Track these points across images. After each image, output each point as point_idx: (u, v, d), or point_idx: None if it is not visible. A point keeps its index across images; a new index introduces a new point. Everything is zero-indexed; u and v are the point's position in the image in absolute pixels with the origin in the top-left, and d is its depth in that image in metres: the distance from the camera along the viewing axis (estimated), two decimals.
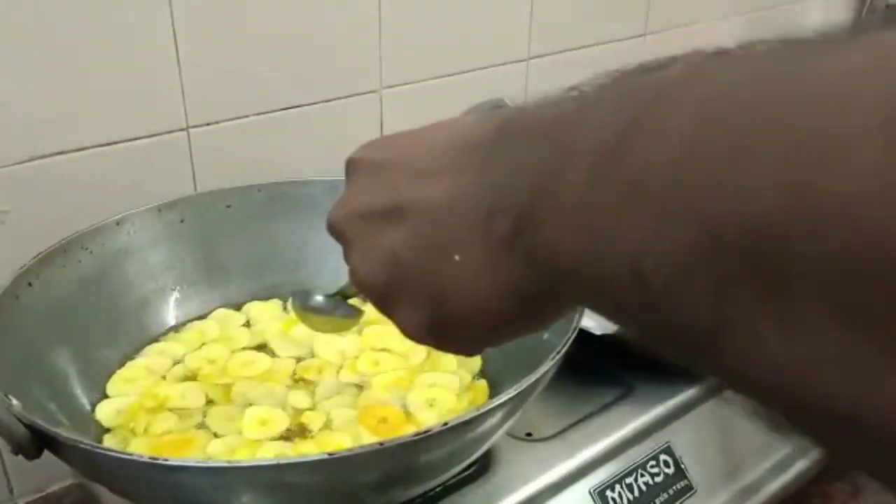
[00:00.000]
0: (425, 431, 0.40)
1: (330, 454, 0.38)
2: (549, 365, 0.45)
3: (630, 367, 0.65)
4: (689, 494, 0.62)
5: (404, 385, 0.59)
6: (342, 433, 0.55)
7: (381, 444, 0.39)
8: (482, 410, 0.41)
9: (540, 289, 0.27)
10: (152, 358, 0.60)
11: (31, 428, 0.40)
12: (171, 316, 0.65)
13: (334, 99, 0.79)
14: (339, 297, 0.51)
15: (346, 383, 0.60)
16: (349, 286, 0.49)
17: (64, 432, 0.41)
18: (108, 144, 0.67)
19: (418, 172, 0.30)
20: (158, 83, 0.68)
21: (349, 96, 0.80)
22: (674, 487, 0.61)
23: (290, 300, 0.53)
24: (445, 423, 0.40)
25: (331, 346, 0.63)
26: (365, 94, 0.81)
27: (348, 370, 0.61)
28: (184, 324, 0.65)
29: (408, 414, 0.57)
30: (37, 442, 0.41)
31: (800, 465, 0.67)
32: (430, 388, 0.59)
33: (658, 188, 0.20)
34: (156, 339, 0.63)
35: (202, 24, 0.69)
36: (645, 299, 0.21)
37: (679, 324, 0.21)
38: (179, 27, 0.67)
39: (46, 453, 0.42)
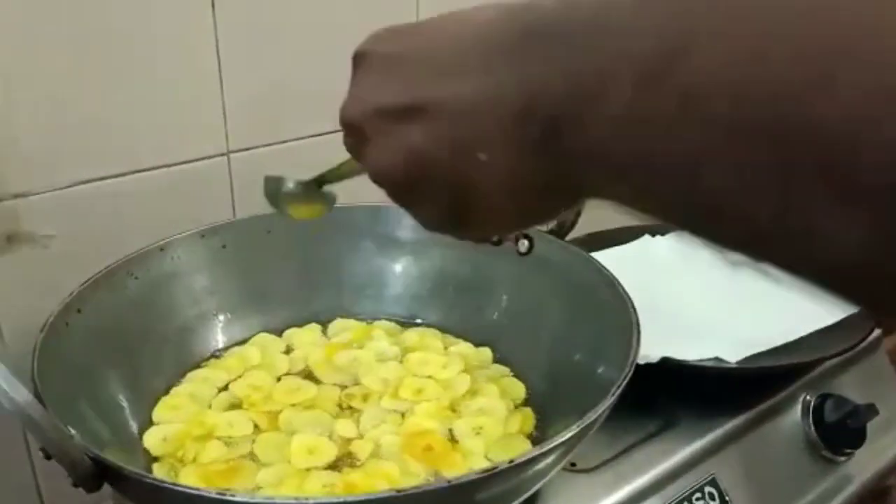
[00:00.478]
0: (493, 468, 0.39)
1: (398, 491, 0.38)
2: (610, 399, 0.45)
3: (673, 397, 0.65)
4: None
5: (446, 413, 0.59)
6: (389, 462, 0.55)
7: (448, 482, 0.39)
8: (549, 446, 0.41)
9: (568, 184, 0.28)
10: (196, 384, 0.60)
11: (95, 461, 0.40)
12: (213, 341, 0.65)
13: None
14: (313, 184, 0.49)
15: (390, 410, 0.60)
16: (328, 172, 0.48)
17: (125, 465, 0.41)
18: (149, 170, 0.67)
19: (441, 69, 0.29)
20: (202, 109, 0.68)
21: None
22: None
23: (262, 185, 0.51)
24: (512, 461, 0.40)
25: (374, 373, 0.63)
26: None
27: (390, 397, 0.61)
28: (226, 349, 0.65)
29: (453, 441, 0.57)
30: (99, 474, 0.40)
31: (843, 497, 0.67)
32: (475, 416, 0.58)
33: (721, 99, 0.21)
34: (198, 365, 0.63)
35: (246, 48, 0.69)
36: (700, 199, 0.22)
37: (738, 217, 0.22)
38: (224, 52, 0.68)
39: None
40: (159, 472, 0.52)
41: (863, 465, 0.69)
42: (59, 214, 0.63)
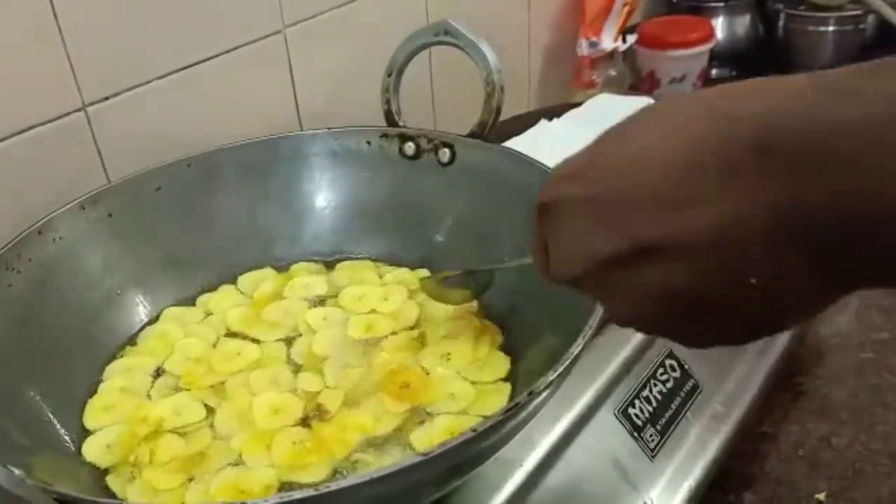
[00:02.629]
0: (489, 420, 0.36)
1: (425, 454, 0.35)
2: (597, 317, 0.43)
3: None
4: (697, 393, 0.62)
5: (413, 344, 0.55)
6: (361, 409, 0.51)
7: (473, 430, 0.36)
8: (552, 377, 0.38)
9: (853, 282, 0.27)
10: (123, 377, 0.53)
11: (61, 501, 0.34)
12: (124, 325, 0.57)
13: (237, 47, 0.71)
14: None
15: (353, 355, 0.55)
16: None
17: (95, 498, 0.35)
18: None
19: (663, 205, 0.27)
20: (43, 60, 0.58)
21: (252, 42, 0.72)
22: (683, 390, 0.62)
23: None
24: (514, 405, 0.37)
25: (312, 314, 0.58)
26: (268, 36, 0.73)
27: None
28: (140, 331, 0.58)
29: (426, 373, 0.53)
30: None
31: (781, 343, 0.70)
32: (441, 343, 0.55)
33: None
34: (114, 356, 0.55)
35: None
36: None
37: None
38: None
39: None
40: (116, 484, 0.45)
41: None
42: None
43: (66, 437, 0.48)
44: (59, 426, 0.48)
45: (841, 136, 0.24)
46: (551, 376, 0.38)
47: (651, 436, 0.58)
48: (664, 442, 0.59)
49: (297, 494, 0.33)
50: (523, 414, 0.39)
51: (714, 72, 1.34)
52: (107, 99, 0.62)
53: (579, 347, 0.40)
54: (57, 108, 0.60)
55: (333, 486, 0.33)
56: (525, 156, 0.58)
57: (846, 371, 0.76)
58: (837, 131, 0.24)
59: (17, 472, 0.36)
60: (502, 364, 0.53)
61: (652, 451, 0.58)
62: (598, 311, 0.43)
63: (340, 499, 0.34)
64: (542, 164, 0.57)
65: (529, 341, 0.53)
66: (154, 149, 0.62)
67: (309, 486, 0.35)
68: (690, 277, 0.27)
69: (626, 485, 0.56)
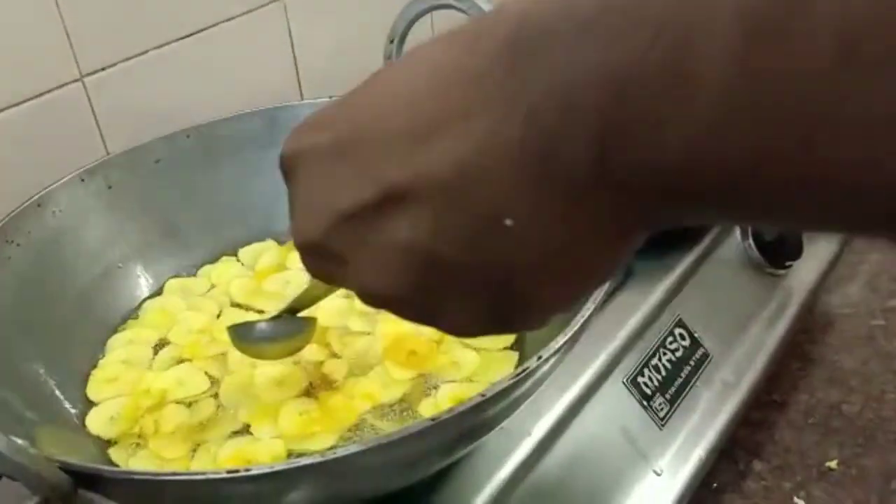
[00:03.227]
0: (498, 385, 0.36)
1: (433, 419, 0.34)
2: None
3: None
4: (707, 361, 0.62)
5: None
6: (369, 378, 0.50)
7: (482, 395, 0.35)
8: (561, 342, 0.38)
9: (638, 218, 0.21)
10: (127, 349, 0.52)
11: (66, 470, 0.33)
12: (126, 298, 0.57)
13: (236, 16, 0.70)
14: (286, 315, 0.45)
15: (358, 324, 0.54)
16: (296, 301, 0.44)
17: (102, 466, 0.34)
18: None
19: (403, 140, 0.22)
20: (38, 29, 0.57)
21: (251, 10, 0.70)
22: (693, 358, 0.61)
23: (227, 331, 0.46)
24: (523, 370, 0.36)
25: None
26: (267, 4, 0.72)
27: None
28: (141, 304, 0.57)
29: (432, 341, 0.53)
30: (75, 484, 0.34)
31: (791, 311, 0.69)
32: None
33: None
34: (116, 330, 0.55)
35: None
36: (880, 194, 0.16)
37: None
38: None
39: None
40: (119, 456, 0.45)
41: (802, 275, 0.71)
42: None
43: (71, 410, 0.48)
44: (63, 399, 0.48)
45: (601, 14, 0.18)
46: (561, 340, 0.38)
47: (660, 405, 0.58)
48: (674, 411, 0.58)
49: (304, 461, 0.33)
50: (532, 380, 0.38)
51: None
52: (104, 69, 0.61)
53: (589, 311, 0.39)
54: (54, 80, 0.59)
55: (340, 452, 0.33)
56: None
57: (857, 339, 0.76)
58: (601, 11, 0.18)
59: (20, 441, 0.35)
60: None
61: (661, 419, 0.57)
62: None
63: (346, 465, 0.33)
64: None
65: None
66: (153, 120, 0.61)
67: (316, 454, 0.34)
68: (439, 227, 0.22)
69: (636, 454, 0.55)
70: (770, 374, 0.66)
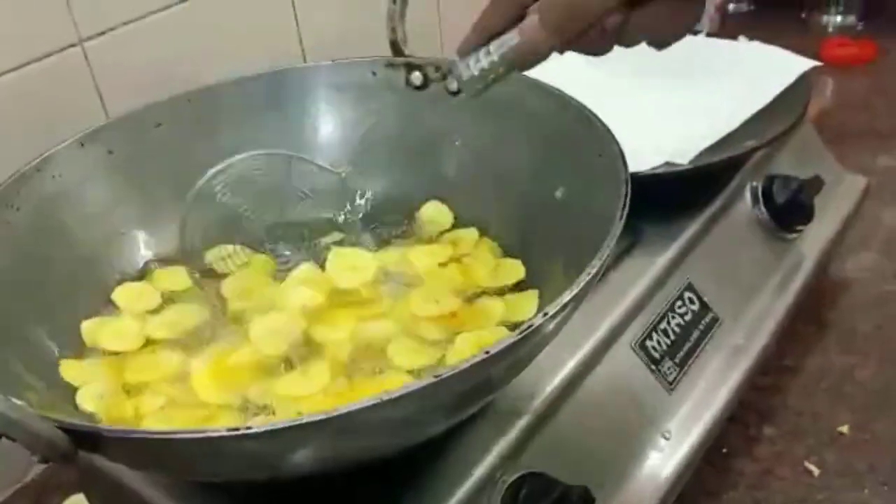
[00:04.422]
0: (527, 327, 0.35)
1: (436, 376, 0.33)
2: (619, 223, 0.41)
3: (634, 213, 0.62)
4: (717, 326, 0.61)
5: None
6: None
7: (486, 352, 0.34)
8: (581, 285, 0.37)
9: None
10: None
11: (66, 429, 0.33)
12: (132, 262, 0.56)
13: None
14: None
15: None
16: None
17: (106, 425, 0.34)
18: None
19: None
20: None
21: None
22: (703, 322, 0.60)
23: None
24: (545, 313, 0.36)
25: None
26: None
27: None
28: (145, 267, 0.56)
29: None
30: (76, 444, 0.33)
31: (802, 275, 0.68)
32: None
33: None
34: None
35: None
36: None
37: None
38: None
39: None
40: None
41: (813, 239, 0.70)
42: None
43: None
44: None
45: None
46: (567, 296, 0.37)
47: (669, 369, 0.57)
48: (683, 375, 0.57)
49: (306, 418, 0.32)
50: (539, 336, 0.38)
51: (731, 6, 1.30)
52: (103, 34, 0.61)
53: (595, 267, 0.38)
54: (52, 44, 0.58)
55: (342, 409, 0.32)
56: (536, 81, 0.56)
57: (871, 303, 0.75)
58: None
59: (18, 402, 0.35)
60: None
61: (670, 384, 0.57)
62: (618, 225, 0.41)
63: (350, 422, 0.33)
64: (554, 88, 0.54)
65: (547, 273, 0.52)
66: (154, 85, 0.60)
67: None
68: None
69: (643, 418, 0.54)
70: (781, 338, 0.65)
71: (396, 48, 0.62)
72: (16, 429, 0.33)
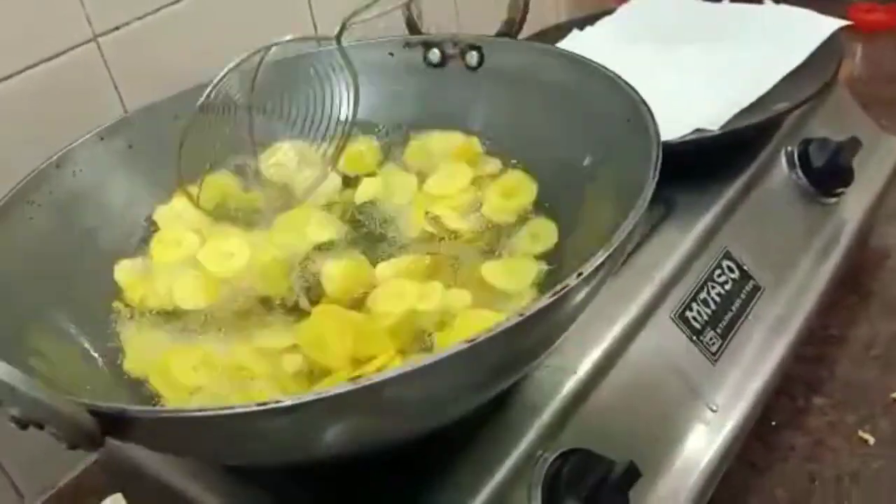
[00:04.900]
0: (561, 290, 0.33)
1: (469, 340, 0.32)
2: (651, 188, 0.39)
3: (663, 181, 0.60)
4: (759, 294, 0.59)
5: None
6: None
7: (520, 314, 0.33)
8: (615, 245, 0.35)
9: None
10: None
11: (95, 413, 0.32)
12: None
13: None
14: None
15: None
16: None
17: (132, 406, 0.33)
18: (11, 76, 0.55)
19: None
20: None
21: None
22: (744, 291, 0.58)
23: None
24: (580, 273, 0.34)
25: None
26: None
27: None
28: None
29: None
30: (103, 428, 0.32)
31: (844, 241, 0.65)
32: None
33: None
34: None
35: None
36: None
37: None
38: None
39: None
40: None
41: (854, 203, 0.68)
42: None
43: (100, 359, 0.46)
44: (92, 349, 0.46)
45: None
46: (602, 257, 0.35)
47: (711, 339, 0.55)
48: (726, 346, 0.55)
49: (336, 389, 0.31)
50: (574, 301, 0.36)
51: None
52: (118, 29, 0.60)
53: (627, 230, 0.36)
54: (68, 41, 0.58)
55: (363, 381, 0.31)
56: (558, 49, 0.54)
57: None
58: None
59: (55, 392, 0.34)
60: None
61: (713, 354, 0.55)
62: (651, 185, 0.39)
63: (376, 395, 0.31)
64: (575, 54, 0.53)
65: (580, 241, 0.50)
66: (171, 78, 0.60)
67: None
68: None
69: (688, 390, 0.52)
70: (824, 306, 0.63)
71: (413, 27, 0.61)
72: (50, 414, 0.32)
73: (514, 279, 0.48)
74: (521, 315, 0.33)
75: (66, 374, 0.42)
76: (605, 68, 0.50)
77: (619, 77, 0.49)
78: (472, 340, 0.32)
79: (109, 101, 0.60)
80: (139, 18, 0.61)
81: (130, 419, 0.32)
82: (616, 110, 0.47)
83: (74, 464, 0.65)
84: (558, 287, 0.34)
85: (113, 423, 0.32)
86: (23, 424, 0.33)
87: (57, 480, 0.64)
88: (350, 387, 0.31)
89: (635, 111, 0.45)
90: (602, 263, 0.35)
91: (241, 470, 0.46)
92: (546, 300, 0.33)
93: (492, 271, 0.49)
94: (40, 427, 0.33)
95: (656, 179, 0.40)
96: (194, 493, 0.46)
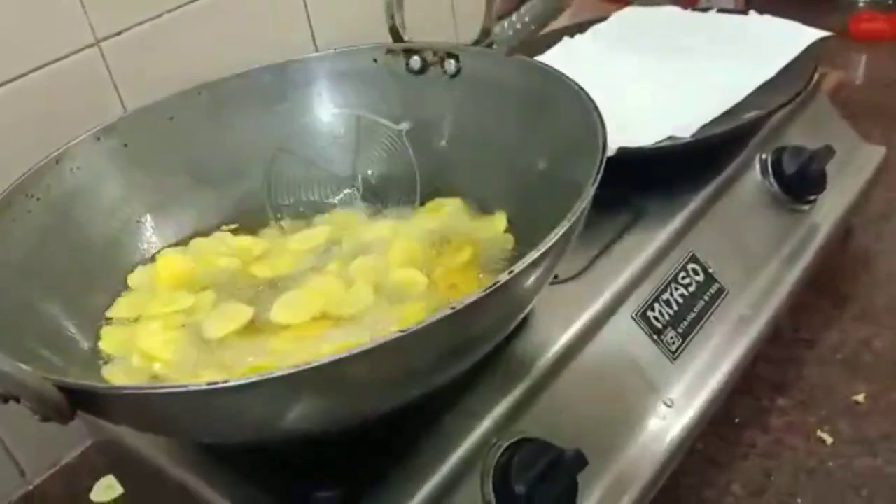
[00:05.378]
0: (495, 283, 0.36)
1: (402, 330, 0.35)
2: (591, 188, 0.42)
3: (636, 187, 0.63)
4: (723, 296, 0.61)
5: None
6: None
7: (452, 308, 0.35)
8: (543, 248, 0.38)
9: None
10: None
11: (64, 389, 0.35)
12: (145, 249, 0.59)
13: None
14: None
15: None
16: None
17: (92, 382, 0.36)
18: (12, 80, 0.59)
19: None
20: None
21: None
22: (708, 293, 0.60)
23: None
24: (511, 271, 0.37)
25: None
26: None
27: None
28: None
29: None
30: (71, 402, 0.36)
31: (814, 247, 0.67)
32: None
33: None
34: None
35: None
36: None
37: None
38: None
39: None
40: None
41: (828, 210, 0.69)
42: None
43: (85, 347, 0.50)
44: (80, 339, 0.50)
45: None
46: (534, 255, 0.38)
47: (672, 338, 0.57)
48: (686, 345, 0.58)
49: (282, 371, 0.34)
50: (511, 294, 0.39)
51: None
52: (119, 34, 0.64)
53: (565, 227, 0.39)
54: (70, 45, 0.61)
55: (303, 366, 0.34)
56: (529, 60, 0.57)
57: (891, 277, 0.73)
58: None
59: (24, 367, 0.38)
60: None
61: (673, 353, 0.57)
62: (590, 189, 0.41)
63: (319, 376, 0.34)
64: (545, 65, 0.55)
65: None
66: (171, 81, 0.63)
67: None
68: None
69: (644, 385, 0.55)
70: (795, 310, 0.64)
71: (396, 34, 0.64)
72: (19, 387, 0.35)
73: None
74: (453, 308, 0.36)
75: (57, 359, 0.46)
76: (566, 76, 0.52)
77: (574, 82, 0.51)
78: (404, 330, 0.35)
79: (110, 103, 0.64)
80: (140, 24, 0.65)
81: (92, 393, 0.35)
82: (573, 117, 0.50)
83: (75, 444, 0.69)
84: (491, 283, 0.37)
85: (79, 398, 0.35)
86: (3, 398, 0.36)
87: (58, 459, 0.68)
88: (291, 370, 0.34)
89: (587, 116, 0.48)
90: (536, 261, 0.38)
91: (226, 455, 0.49)
92: (480, 294, 0.36)
93: None
94: (18, 401, 0.36)
95: (596, 184, 0.42)
96: (179, 476, 0.50)
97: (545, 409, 0.50)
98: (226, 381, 0.34)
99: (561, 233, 0.39)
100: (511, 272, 0.37)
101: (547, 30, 0.85)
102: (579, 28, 0.84)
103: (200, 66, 0.67)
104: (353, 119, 0.63)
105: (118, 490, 0.64)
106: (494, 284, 0.36)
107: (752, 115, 0.63)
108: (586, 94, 0.50)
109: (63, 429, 0.66)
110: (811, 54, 0.70)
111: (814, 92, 0.74)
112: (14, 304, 0.47)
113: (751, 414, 0.62)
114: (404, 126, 0.61)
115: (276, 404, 0.37)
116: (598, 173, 0.43)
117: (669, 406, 0.55)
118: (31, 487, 0.67)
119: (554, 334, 0.53)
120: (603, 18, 0.85)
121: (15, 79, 0.58)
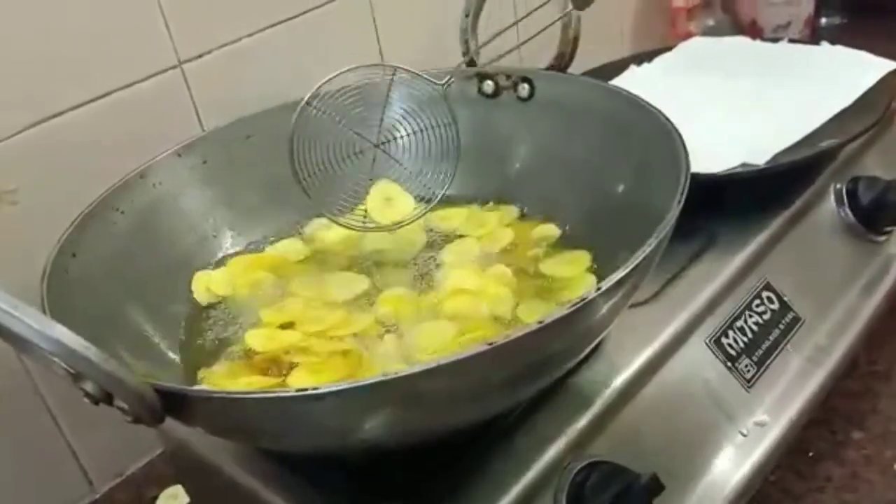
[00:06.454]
0: (579, 301, 0.36)
1: (490, 343, 0.35)
2: (676, 210, 0.42)
3: (708, 214, 0.62)
4: (799, 326, 0.60)
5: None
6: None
7: (539, 322, 0.35)
8: (621, 274, 0.38)
9: None
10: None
11: (159, 391, 0.36)
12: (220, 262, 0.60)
13: (323, 4, 0.73)
14: None
15: None
16: None
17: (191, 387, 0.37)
18: (101, 97, 0.61)
19: None
20: (141, 21, 0.62)
21: None
22: (783, 322, 0.59)
23: None
24: (599, 288, 0.37)
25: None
26: None
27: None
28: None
29: None
30: (165, 405, 0.36)
31: (891, 278, 0.66)
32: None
33: None
34: None
35: None
36: None
37: None
38: None
39: None
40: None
41: None
42: (17, 164, 0.57)
43: (173, 357, 0.51)
44: (163, 345, 0.51)
45: None
46: (621, 273, 0.38)
47: (746, 366, 0.56)
48: (761, 373, 0.57)
49: (372, 379, 0.34)
50: (596, 313, 0.39)
51: (823, 20, 1.28)
52: (200, 56, 0.66)
53: (651, 246, 0.39)
54: (155, 66, 0.63)
55: (390, 375, 0.34)
56: (604, 83, 0.57)
57: None
58: None
59: (126, 369, 0.38)
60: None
61: (748, 381, 0.56)
62: (675, 210, 0.41)
63: (405, 387, 0.34)
64: (620, 88, 0.56)
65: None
66: (247, 101, 0.65)
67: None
68: None
69: (720, 413, 0.54)
70: (870, 342, 0.63)
71: (469, 60, 0.65)
72: (120, 388, 0.36)
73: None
74: (541, 322, 0.36)
75: (141, 364, 0.47)
76: (642, 99, 0.52)
77: (654, 107, 0.51)
78: (492, 343, 0.35)
79: (190, 121, 0.65)
80: (221, 47, 0.67)
81: (187, 397, 0.36)
82: (652, 140, 0.50)
83: (142, 455, 0.70)
84: (576, 300, 0.36)
85: (173, 401, 0.36)
86: (95, 400, 0.37)
87: (125, 469, 0.69)
88: (378, 378, 0.34)
89: (669, 141, 0.48)
90: (621, 280, 0.38)
91: (298, 466, 0.49)
92: (565, 310, 0.36)
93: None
94: (109, 402, 0.37)
95: (681, 205, 0.42)
96: (251, 485, 0.50)
97: (617, 434, 0.50)
98: (315, 388, 0.34)
99: (647, 252, 0.39)
100: (599, 289, 0.37)
101: (611, 59, 0.86)
102: (644, 57, 0.84)
103: (276, 88, 0.68)
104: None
105: (184, 500, 0.64)
106: (582, 300, 0.36)
107: (827, 143, 0.63)
108: (666, 118, 0.50)
109: (130, 439, 0.68)
110: (885, 84, 0.69)
111: (889, 122, 0.72)
112: (104, 311, 0.48)
113: (826, 446, 0.61)
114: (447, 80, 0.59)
115: (358, 413, 0.37)
116: (682, 193, 0.43)
117: (745, 435, 0.54)
118: (97, 496, 0.68)
119: (627, 358, 0.52)
120: (668, 49, 0.85)
121: (103, 96, 0.60)
